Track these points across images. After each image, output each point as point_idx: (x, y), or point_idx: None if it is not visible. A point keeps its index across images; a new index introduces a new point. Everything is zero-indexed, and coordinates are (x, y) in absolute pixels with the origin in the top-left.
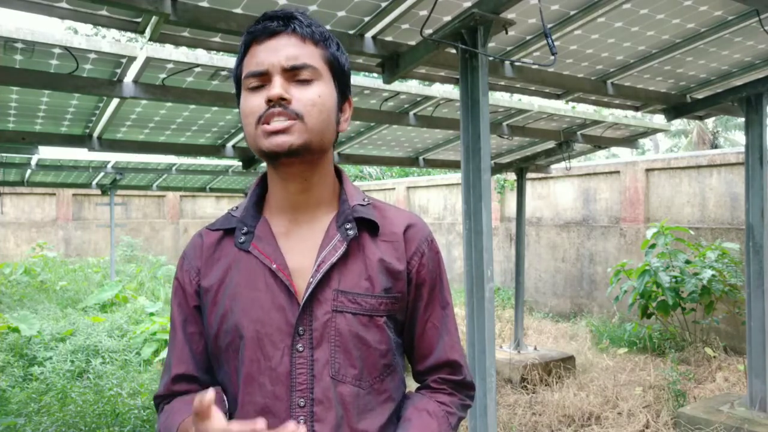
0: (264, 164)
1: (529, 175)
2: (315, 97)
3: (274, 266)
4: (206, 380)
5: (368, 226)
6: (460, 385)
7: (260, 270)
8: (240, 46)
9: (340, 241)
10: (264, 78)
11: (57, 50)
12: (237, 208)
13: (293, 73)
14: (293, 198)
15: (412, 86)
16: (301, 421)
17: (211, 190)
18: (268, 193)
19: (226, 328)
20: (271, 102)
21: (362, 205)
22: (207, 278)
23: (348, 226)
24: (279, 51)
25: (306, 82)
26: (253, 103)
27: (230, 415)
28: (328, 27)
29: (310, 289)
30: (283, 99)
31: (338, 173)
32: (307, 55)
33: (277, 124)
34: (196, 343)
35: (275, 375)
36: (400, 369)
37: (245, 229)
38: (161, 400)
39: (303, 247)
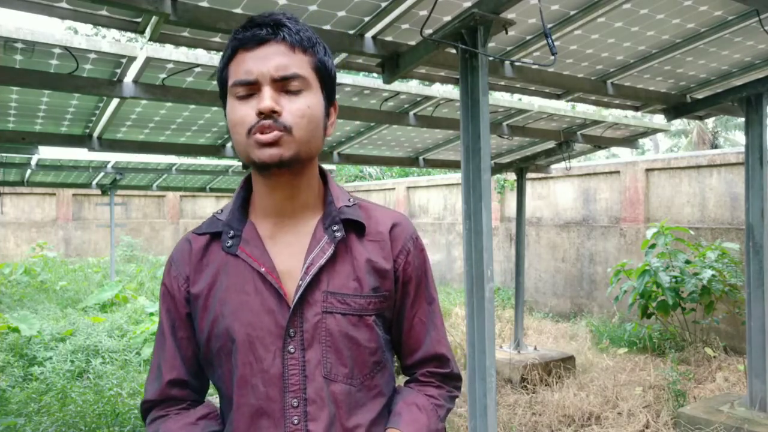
0: None
1: (529, 175)
2: (304, 108)
3: (263, 269)
4: (196, 385)
5: (355, 227)
6: (447, 377)
7: (249, 273)
8: (225, 49)
9: (327, 243)
10: (253, 87)
11: (57, 50)
12: (222, 211)
13: (283, 83)
14: (280, 203)
15: (412, 86)
16: (296, 420)
17: (211, 190)
18: (253, 196)
19: (217, 332)
20: (262, 114)
21: (348, 206)
22: (196, 285)
23: (335, 228)
24: (268, 60)
25: (295, 92)
26: (243, 112)
27: (224, 416)
28: (327, 27)
29: (300, 292)
30: (274, 111)
31: (323, 175)
32: (297, 64)
33: (268, 136)
34: (185, 349)
35: (268, 377)
36: (389, 365)
37: (232, 232)
38: (152, 404)
39: (290, 250)
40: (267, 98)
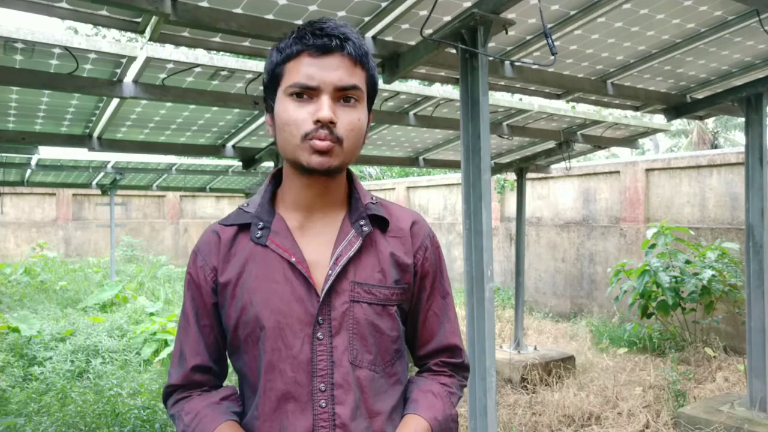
0: (266, 164)
1: (529, 175)
2: (356, 120)
3: (294, 259)
4: (217, 370)
5: (379, 223)
6: (459, 367)
7: (278, 263)
8: (287, 47)
9: (355, 237)
10: (312, 92)
11: (57, 50)
12: (248, 204)
13: (341, 93)
14: (311, 199)
15: (412, 86)
16: (323, 404)
17: (211, 190)
18: (282, 190)
19: (245, 319)
20: (319, 123)
21: (373, 203)
22: (224, 274)
23: (362, 223)
24: (332, 70)
25: (350, 104)
26: (299, 116)
27: (245, 402)
28: None
29: (330, 282)
30: (332, 122)
31: (348, 174)
32: (356, 77)
33: (323, 144)
34: (208, 335)
35: (296, 362)
36: (405, 354)
37: (261, 224)
38: (174, 389)
39: (318, 242)
40: (327, 108)
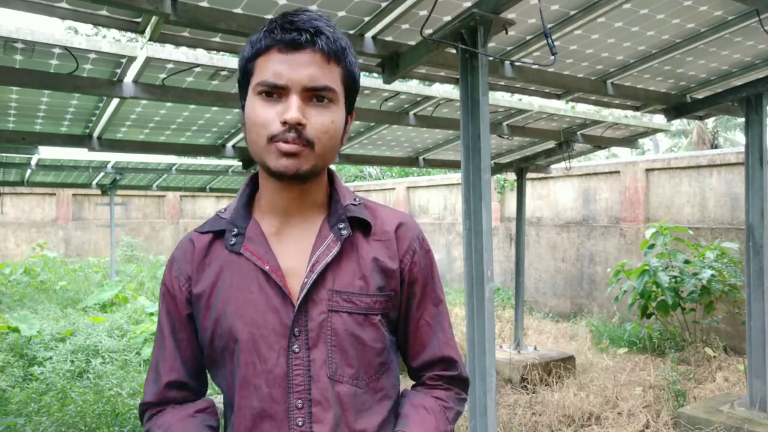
0: None
1: (529, 175)
2: (328, 122)
3: (267, 267)
4: (195, 386)
5: (360, 226)
6: (455, 380)
7: (252, 272)
8: (256, 42)
9: (333, 241)
10: (281, 91)
11: (57, 50)
12: (225, 209)
13: (312, 93)
14: (287, 203)
15: (412, 86)
16: (300, 422)
17: (211, 190)
18: (259, 194)
19: (220, 331)
20: (286, 125)
21: (354, 204)
22: (199, 284)
23: (341, 226)
24: (302, 68)
25: (322, 104)
26: (266, 116)
27: (226, 418)
28: None
29: (305, 290)
30: (300, 124)
31: (329, 174)
32: (329, 76)
33: (290, 146)
34: (185, 350)
35: (272, 377)
36: (394, 366)
37: (235, 230)
38: (149, 407)
39: (295, 248)
40: (294, 109)
